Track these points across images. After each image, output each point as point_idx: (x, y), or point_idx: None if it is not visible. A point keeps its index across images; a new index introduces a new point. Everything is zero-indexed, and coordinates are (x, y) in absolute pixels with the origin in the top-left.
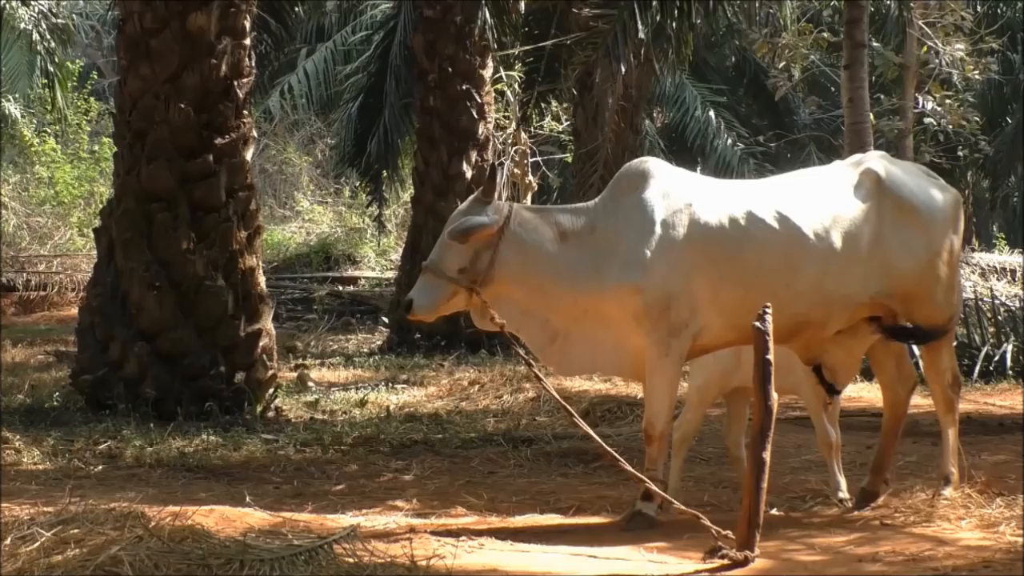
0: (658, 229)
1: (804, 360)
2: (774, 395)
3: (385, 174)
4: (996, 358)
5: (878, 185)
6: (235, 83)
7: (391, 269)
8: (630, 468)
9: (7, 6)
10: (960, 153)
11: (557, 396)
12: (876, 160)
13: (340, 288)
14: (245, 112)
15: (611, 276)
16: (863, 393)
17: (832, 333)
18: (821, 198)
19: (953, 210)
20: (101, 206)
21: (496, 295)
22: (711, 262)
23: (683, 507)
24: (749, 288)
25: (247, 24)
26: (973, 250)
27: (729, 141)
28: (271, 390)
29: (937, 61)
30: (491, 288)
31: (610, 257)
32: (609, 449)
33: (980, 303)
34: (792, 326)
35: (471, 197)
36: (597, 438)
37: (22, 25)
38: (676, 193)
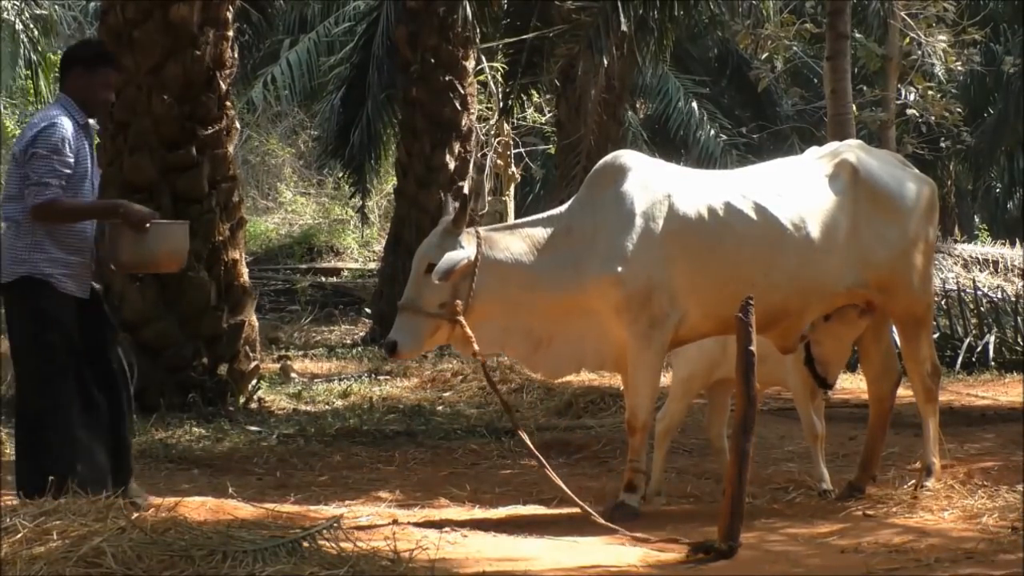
0: (638, 221)
1: (780, 350)
2: (757, 386)
3: (368, 165)
4: (979, 349)
5: (853, 176)
6: (218, 74)
7: (374, 260)
8: (565, 487)
9: None
10: (942, 144)
11: (511, 412)
12: (852, 150)
13: (323, 279)
14: (228, 103)
15: (591, 270)
16: (846, 384)
17: (807, 323)
18: (798, 189)
19: (928, 200)
20: None
21: (477, 319)
22: (690, 253)
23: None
24: (727, 279)
25: (230, 15)
26: (956, 241)
27: (712, 132)
28: (254, 381)
29: (920, 52)
30: (472, 315)
31: (589, 252)
32: (548, 468)
33: (963, 294)
34: (769, 316)
35: (441, 228)
36: (541, 459)
37: (4, 15)
38: (655, 184)
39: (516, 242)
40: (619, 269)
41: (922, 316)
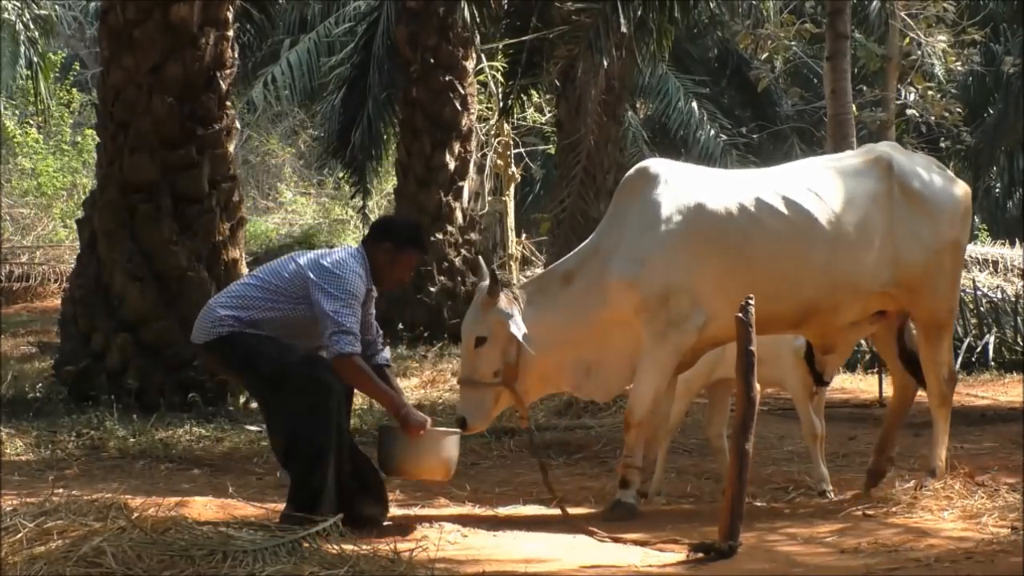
0: (659, 226)
1: (819, 350)
2: (756, 386)
3: (369, 166)
4: (979, 349)
5: (888, 173)
6: (218, 74)
7: None
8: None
9: None
10: (942, 144)
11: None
12: (887, 150)
13: None
14: (228, 103)
15: (609, 276)
16: (846, 384)
17: (845, 322)
18: (831, 184)
19: (963, 202)
20: (84, 197)
21: (533, 372)
22: (717, 252)
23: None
24: (757, 276)
25: (230, 15)
26: None
27: (712, 132)
28: None
29: (919, 52)
30: (528, 370)
31: (611, 259)
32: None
33: (963, 294)
34: (800, 311)
35: (479, 301)
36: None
37: (5, 15)
38: (682, 189)
39: (547, 285)
40: (633, 273)
41: (944, 320)
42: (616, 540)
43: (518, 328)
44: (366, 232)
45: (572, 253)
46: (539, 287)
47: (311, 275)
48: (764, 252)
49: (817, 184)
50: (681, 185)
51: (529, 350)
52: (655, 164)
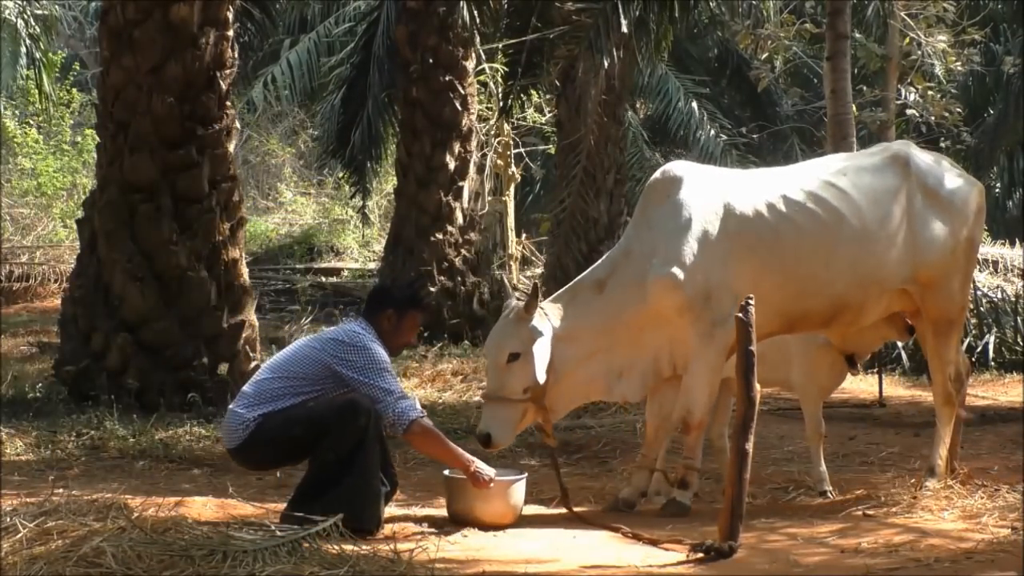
0: (694, 226)
1: (841, 350)
2: (756, 386)
3: (368, 165)
4: (979, 349)
5: (906, 170)
6: (218, 74)
7: (374, 260)
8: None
9: None
10: (942, 144)
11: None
12: (903, 147)
13: (323, 279)
14: (228, 103)
15: (649, 277)
16: (845, 384)
17: (870, 320)
18: (853, 180)
19: (977, 201)
20: (84, 197)
21: (562, 385)
22: (750, 250)
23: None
24: (789, 273)
25: (230, 15)
26: None
27: (712, 132)
28: None
29: (919, 52)
30: (558, 384)
31: (647, 262)
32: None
33: None
34: (831, 308)
35: (513, 316)
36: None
37: (6, 13)
38: (709, 189)
39: (577, 296)
40: (674, 271)
41: (955, 318)
42: (638, 538)
43: (543, 362)
44: (364, 304)
45: (599, 262)
46: (570, 298)
47: (335, 355)
48: (795, 249)
49: (840, 181)
50: (708, 186)
51: (539, 381)
52: (678, 166)
